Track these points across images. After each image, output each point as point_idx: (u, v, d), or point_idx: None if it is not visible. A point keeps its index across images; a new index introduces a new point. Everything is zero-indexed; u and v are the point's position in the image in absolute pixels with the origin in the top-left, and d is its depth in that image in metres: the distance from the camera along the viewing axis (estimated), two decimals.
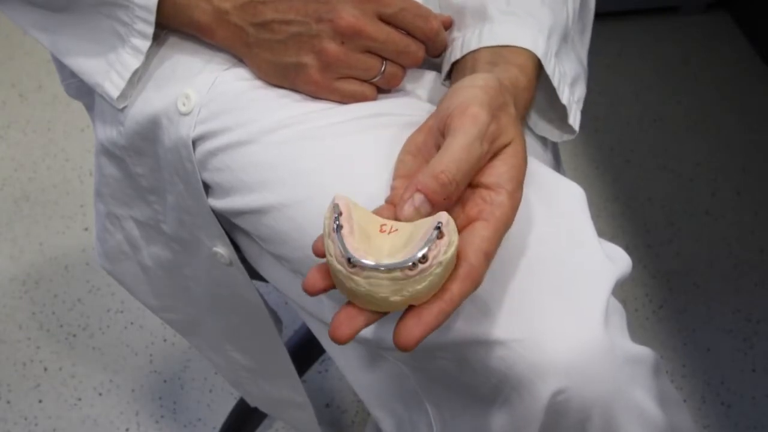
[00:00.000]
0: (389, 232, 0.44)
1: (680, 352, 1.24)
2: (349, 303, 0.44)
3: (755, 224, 1.41)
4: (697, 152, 1.54)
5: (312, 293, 0.45)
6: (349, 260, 0.42)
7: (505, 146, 0.47)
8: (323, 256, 0.44)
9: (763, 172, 1.50)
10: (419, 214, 0.45)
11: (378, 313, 0.44)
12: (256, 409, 0.95)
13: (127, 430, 1.17)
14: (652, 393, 0.55)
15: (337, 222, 0.43)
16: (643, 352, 0.54)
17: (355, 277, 0.42)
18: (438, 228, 0.42)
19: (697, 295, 1.31)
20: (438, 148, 0.49)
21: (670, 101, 1.64)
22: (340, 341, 0.43)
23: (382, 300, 0.42)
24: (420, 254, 0.41)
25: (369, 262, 0.42)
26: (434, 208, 0.45)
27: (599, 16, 0.71)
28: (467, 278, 0.43)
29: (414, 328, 0.42)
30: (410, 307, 0.43)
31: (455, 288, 0.43)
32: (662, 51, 1.76)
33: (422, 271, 0.42)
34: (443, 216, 0.43)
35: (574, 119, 0.60)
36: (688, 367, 1.22)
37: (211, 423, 1.18)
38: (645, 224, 1.42)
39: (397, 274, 0.42)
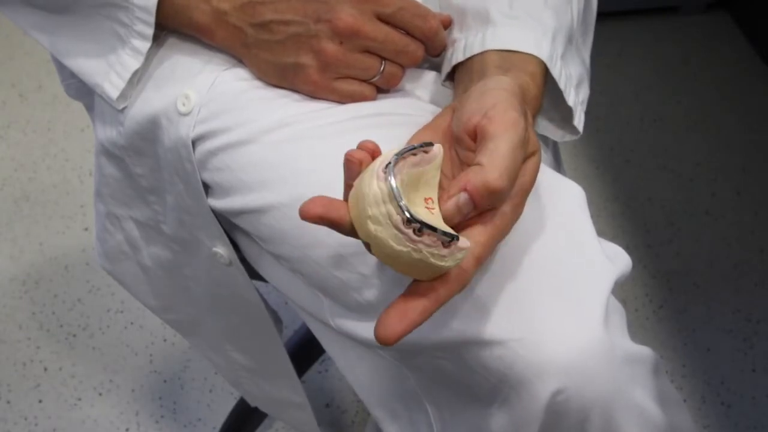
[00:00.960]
0: (427, 207, 0.44)
1: (680, 352, 1.24)
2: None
3: (755, 224, 1.41)
4: (697, 152, 1.54)
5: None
6: (387, 165, 0.41)
7: (530, 155, 0.47)
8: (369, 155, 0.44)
9: (763, 172, 1.50)
10: (460, 213, 0.44)
11: (353, 232, 0.43)
12: (256, 409, 0.95)
13: (127, 430, 1.17)
14: (652, 393, 0.55)
15: (416, 150, 0.43)
16: (643, 352, 0.54)
17: (375, 180, 0.41)
18: (452, 238, 0.41)
19: (697, 295, 1.31)
20: (453, 150, 0.49)
21: (670, 101, 1.64)
22: (307, 217, 0.42)
23: (363, 222, 0.41)
24: (422, 223, 0.40)
25: (394, 180, 0.41)
26: (476, 210, 0.44)
27: (599, 16, 0.71)
28: (455, 281, 0.43)
29: (397, 323, 0.42)
30: (394, 302, 0.43)
31: (442, 290, 0.43)
32: (662, 51, 1.76)
33: (409, 239, 0.41)
34: (466, 243, 0.42)
35: (579, 120, 0.60)
36: (688, 367, 1.22)
37: (211, 423, 1.18)
38: (645, 224, 1.42)
39: (396, 217, 0.41)
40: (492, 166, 0.43)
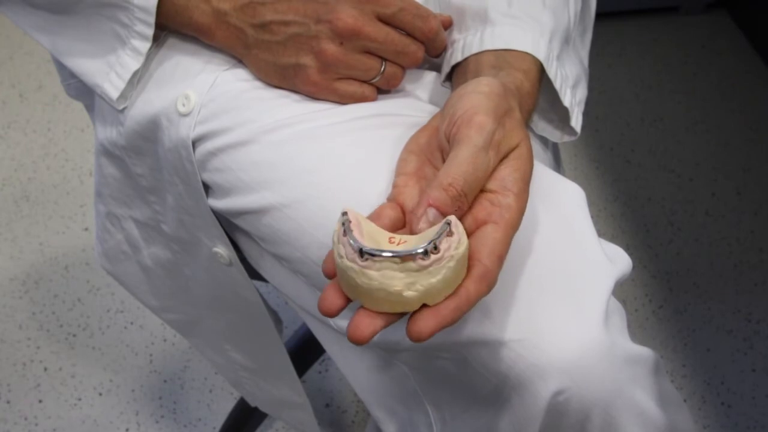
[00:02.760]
0: (398, 243, 0.44)
1: (680, 352, 1.24)
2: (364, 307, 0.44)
3: (755, 224, 1.41)
4: (697, 152, 1.54)
5: (331, 314, 0.44)
6: (361, 252, 0.42)
7: (512, 150, 0.48)
8: (333, 275, 0.44)
9: (763, 172, 1.50)
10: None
11: (395, 314, 0.43)
12: (256, 409, 0.95)
13: (127, 430, 1.17)
14: (652, 393, 0.55)
15: (346, 227, 0.43)
16: (643, 352, 0.54)
17: (368, 271, 0.42)
18: (447, 224, 0.42)
19: (697, 295, 1.31)
20: (441, 151, 0.49)
21: (670, 101, 1.64)
22: (359, 342, 0.43)
23: (396, 295, 0.42)
24: (431, 243, 0.41)
25: (382, 250, 0.42)
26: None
27: (599, 16, 0.71)
28: (483, 279, 0.43)
29: (429, 320, 0.42)
30: (424, 306, 0.43)
31: (471, 287, 0.43)
32: (662, 51, 1.76)
33: (436, 261, 0.41)
34: (451, 218, 0.43)
35: (576, 121, 0.60)
36: (688, 367, 1.22)
37: (211, 423, 1.18)
38: (645, 224, 1.42)
39: (411, 264, 0.41)
40: (446, 173, 0.45)
